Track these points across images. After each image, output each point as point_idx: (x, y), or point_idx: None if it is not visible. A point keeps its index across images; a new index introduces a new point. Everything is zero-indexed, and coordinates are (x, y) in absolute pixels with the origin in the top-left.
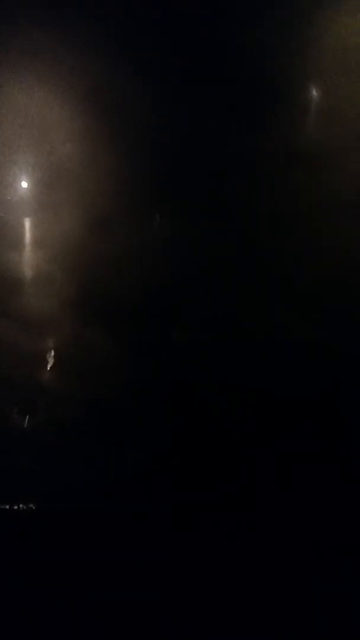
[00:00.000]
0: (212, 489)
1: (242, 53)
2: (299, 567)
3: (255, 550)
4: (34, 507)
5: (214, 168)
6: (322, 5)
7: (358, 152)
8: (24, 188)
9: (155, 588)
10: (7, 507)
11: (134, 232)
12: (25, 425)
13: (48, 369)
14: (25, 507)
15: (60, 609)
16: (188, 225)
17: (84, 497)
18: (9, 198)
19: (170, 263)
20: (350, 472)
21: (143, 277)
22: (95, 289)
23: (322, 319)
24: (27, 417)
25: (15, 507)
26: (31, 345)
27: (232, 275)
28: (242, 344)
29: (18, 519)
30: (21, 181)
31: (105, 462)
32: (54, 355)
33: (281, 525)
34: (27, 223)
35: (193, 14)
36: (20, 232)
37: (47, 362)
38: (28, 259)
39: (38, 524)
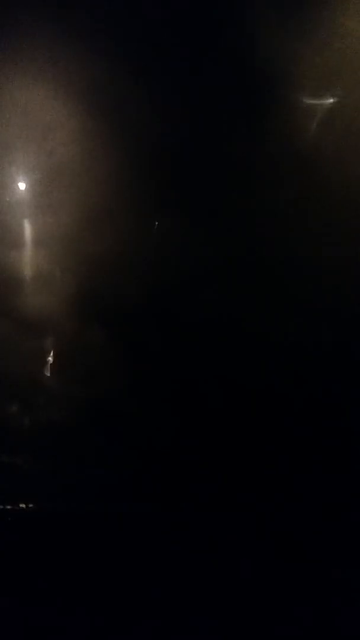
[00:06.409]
0: (211, 490)
1: (244, 53)
2: (298, 568)
3: (255, 551)
4: (34, 507)
5: (215, 168)
6: (327, 7)
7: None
8: (24, 188)
9: (155, 588)
10: (7, 507)
11: (134, 232)
12: (25, 425)
13: (48, 368)
14: (25, 507)
15: (60, 609)
16: (188, 225)
17: (83, 497)
18: (9, 198)
19: (171, 263)
20: (350, 472)
21: (143, 277)
22: (96, 289)
23: (322, 320)
24: (27, 417)
25: (15, 507)
26: (31, 345)
27: (232, 276)
28: (242, 344)
29: (18, 519)
30: (21, 181)
31: (105, 462)
32: (54, 355)
33: (281, 526)
34: (27, 223)
35: (195, 13)
36: (20, 232)
37: (47, 362)
38: (28, 258)
39: (38, 524)
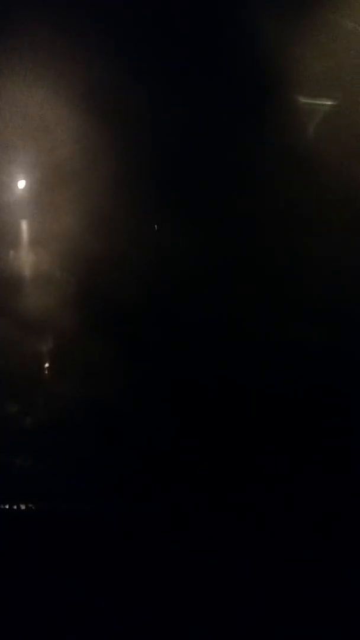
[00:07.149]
0: (211, 489)
1: (245, 53)
2: (299, 570)
3: (255, 551)
4: (33, 507)
5: (216, 169)
6: (327, 6)
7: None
8: (24, 188)
9: (155, 588)
10: (7, 507)
11: (135, 233)
12: (25, 425)
13: (48, 368)
14: (25, 507)
15: (60, 609)
16: (189, 226)
17: (83, 497)
18: (8, 198)
19: (171, 264)
20: (350, 472)
21: (144, 277)
22: (96, 289)
23: (323, 321)
24: (27, 417)
25: (15, 507)
26: (31, 345)
27: (233, 277)
28: (242, 345)
29: (18, 519)
30: (21, 181)
31: (105, 462)
32: (54, 355)
33: (281, 527)
34: (27, 223)
35: (195, 14)
36: (20, 232)
37: (46, 362)
38: (28, 258)
39: (38, 524)
